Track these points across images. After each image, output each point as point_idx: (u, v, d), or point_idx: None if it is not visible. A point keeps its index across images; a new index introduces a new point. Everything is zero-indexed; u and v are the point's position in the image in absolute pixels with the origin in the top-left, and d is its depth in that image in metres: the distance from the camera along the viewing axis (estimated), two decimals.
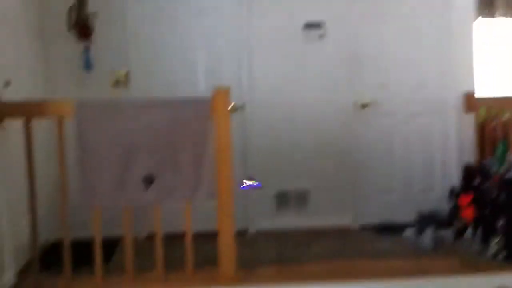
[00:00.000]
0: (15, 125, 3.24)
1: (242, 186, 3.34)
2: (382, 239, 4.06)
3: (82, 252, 3.40)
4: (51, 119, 3.31)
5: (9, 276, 3.23)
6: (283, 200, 4.41)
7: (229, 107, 3.23)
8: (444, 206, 4.27)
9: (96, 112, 3.15)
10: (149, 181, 3.20)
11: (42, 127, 3.57)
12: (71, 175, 3.19)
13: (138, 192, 3.18)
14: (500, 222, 3.57)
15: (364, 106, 4.45)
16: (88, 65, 4.22)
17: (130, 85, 4.29)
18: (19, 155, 3.19)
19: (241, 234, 4.08)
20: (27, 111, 3.17)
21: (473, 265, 3.50)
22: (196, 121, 3.20)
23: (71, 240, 3.30)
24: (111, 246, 3.78)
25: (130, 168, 3.16)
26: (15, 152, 3.27)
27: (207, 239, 3.80)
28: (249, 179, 3.45)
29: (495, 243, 3.56)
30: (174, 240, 3.85)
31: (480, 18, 5.74)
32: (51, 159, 3.97)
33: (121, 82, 4.28)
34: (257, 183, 3.48)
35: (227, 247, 3.29)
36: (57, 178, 3.27)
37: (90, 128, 3.12)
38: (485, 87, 5.49)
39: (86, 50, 4.21)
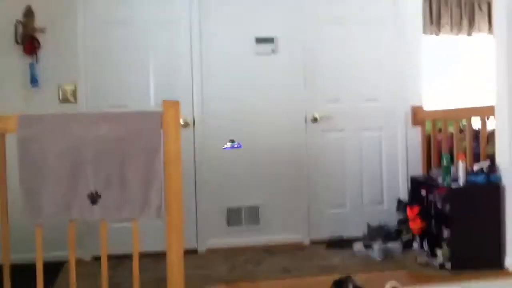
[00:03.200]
0: None
1: (224, 147, 3.26)
2: (333, 254, 4.07)
3: (25, 276, 3.27)
4: None
5: None
6: (234, 216, 4.37)
7: (180, 122, 3.19)
8: (393, 219, 4.34)
9: (39, 126, 3.04)
10: (94, 198, 3.11)
11: None
12: (16, 195, 3.08)
13: (84, 209, 3.08)
14: (446, 233, 3.64)
15: (315, 120, 4.48)
16: (34, 80, 4.12)
17: (79, 101, 4.20)
18: None
19: (191, 253, 4.02)
20: None
21: (420, 275, 3.55)
22: (145, 135, 3.13)
23: (15, 263, 3.17)
24: (56, 269, 3.66)
25: (76, 184, 3.07)
26: None
27: (156, 259, 3.74)
28: (230, 141, 3.37)
29: (441, 254, 3.62)
30: (121, 260, 3.77)
31: (427, 35, 5.94)
32: None
33: (68, 97, 4.20)
34: (238, 144, 3.40)
35: (176, 266, 3.21)
36: None
37: (33, 143, 3.01)
38: (432, 101, 5.64)
39: (32, 65, 4.11)
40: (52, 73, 4.16)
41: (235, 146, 3.32)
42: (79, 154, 3.07)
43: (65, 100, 4.21)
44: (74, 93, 4.22)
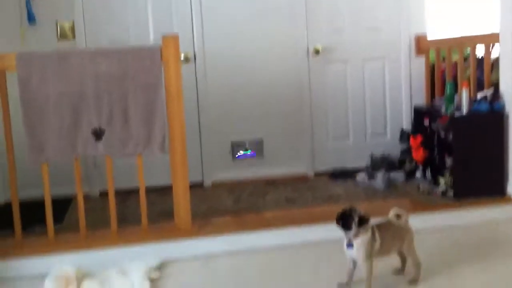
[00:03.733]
0: None
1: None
2: (337, 185, 4.13)
3: (34, 212, 3.35)
4: None
5: None
6: (238, 150, 4.40)
7: (181, 56, 3.15)
8: (396, 149, 4.37)
9: (39, 64, 3.02)
10: (99, 134, 3.13)
11: None
12: (20, 133, 3.10)
13: (88, 146, 3.11)
14: (448, 162, 3.67)
15: (317, 52, 4.43)
16: (31, 17, 4.06)
17: (77, 37, 4.14)
18: None
19: (196, 186, 4.08)
20: None
21: (423, 204, 3.61)
22: (145, 70, 3.11)
23: (23, 200, 3.24)
24: (64, 205, 3.73)
25: (79, 121, 3.08)
26: None
27: (162, 194, 3.81)
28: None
29: (443, 182, 3.66)
30: (128, 196, 3.85)
31: None
32: None
33: (67, 34, 4.14)
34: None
35: (182, 199, 3.28)
36: (3, 137, 3.17)
37: (34, 81, 3.00)
38: (436, 29, 5.52)
39: (28, 2, 4.04)
40: (49, 10, 4.08)
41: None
42: (80, 91, 3.07)
43: (63, 37, 4.15)
44: (72, 30, 4.16)
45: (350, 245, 2.56)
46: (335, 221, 2.56)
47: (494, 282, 2.74)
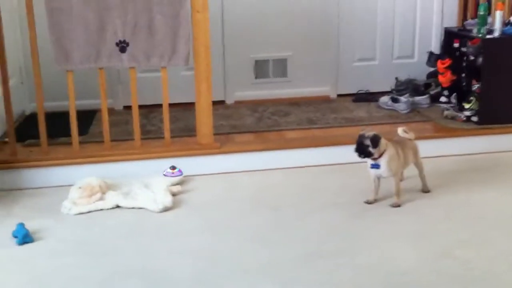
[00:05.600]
0: None
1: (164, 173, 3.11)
2: (360, 107, 4.09)
3: (59, 123, 3.41)
4: None
5: None
6: (261, 69, 4.35)
7: None
8: (423, 73, 4.27)
9: None
10: (123, 45, 3.13)
11: None
12: (44, 42, 3.10)
13: (113, 57, 3.13)
14: (475, 86, 3.58)
15: None
16: None
17: None
18: None
19: (219, 104, 4.08)
20: None
21: (446, 129, 3.57)
22: None
23: (49, 112, 3.29)
24: (88, 117, 3.78)
25: (104, 32, 3.10)
26: None
27: (185, 111, 3.83)
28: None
29: (468, 107, 3.60)
30: (151, 112, 3.88)
31: None
32: (17, 26, 3.86)
33: None
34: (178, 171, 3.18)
35: (204, 114, 3.30)
36: (28, 45, 3.18)
37: None
38: None
39: None
40: None
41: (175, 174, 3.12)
42: (105, 1, 3.05)
43: None
44: None
45: (375, 165, 2.75)
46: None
47: (501, 199, 2.90)
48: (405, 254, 2.38)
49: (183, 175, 3.15)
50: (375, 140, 2.68)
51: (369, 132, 2.70)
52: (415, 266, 2.27)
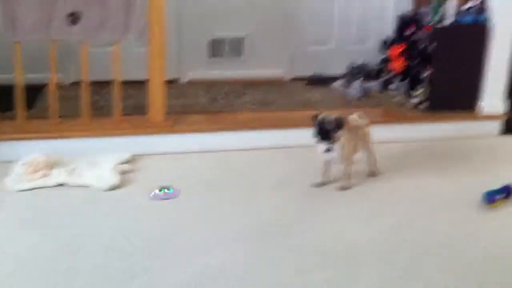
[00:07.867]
0: None
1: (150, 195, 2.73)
2: (313, 90, 4.11)
3: (3, 98, 3.28)
4: None
5: None
6: (216, 48, 4.30)
7: None
8: (377, 58, 4.32)
9: None
10: (74, 17, 3.03)
11: None
12: None
13: (63, 29, 3.03)
14: (426, 73, 3.65)
15: None
16: None
17: None
18: None
19: (172, 83, 4.02)
20: None
21: (395, 114, 3.63)
22: None
23: None
24: (35, 92, 3.64)
25: (55, 2, 2.97)
26: None
27: (138, 88, 3.74)
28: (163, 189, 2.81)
29: (418, 94, 3.67)
30: (102, 88, 3.77)
31: None
32: None
33: None
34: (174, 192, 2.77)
35: (156, 92, 3.24)
36: None
37: None
38: None
39: None
40: None
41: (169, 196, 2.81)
42: None
43: None
44: None
45: (329, 149, 2.74)
46: (312, 134, 2.72)
47: (448, 184, 2.99)
48: (359, 231, 2.47)
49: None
50: (340, 124, 2.69)
51: (329, 116, 2.68)
52: (369, 240, 2.38)
